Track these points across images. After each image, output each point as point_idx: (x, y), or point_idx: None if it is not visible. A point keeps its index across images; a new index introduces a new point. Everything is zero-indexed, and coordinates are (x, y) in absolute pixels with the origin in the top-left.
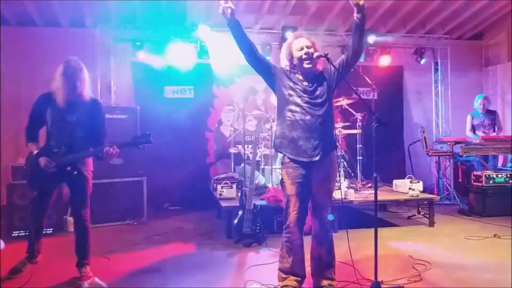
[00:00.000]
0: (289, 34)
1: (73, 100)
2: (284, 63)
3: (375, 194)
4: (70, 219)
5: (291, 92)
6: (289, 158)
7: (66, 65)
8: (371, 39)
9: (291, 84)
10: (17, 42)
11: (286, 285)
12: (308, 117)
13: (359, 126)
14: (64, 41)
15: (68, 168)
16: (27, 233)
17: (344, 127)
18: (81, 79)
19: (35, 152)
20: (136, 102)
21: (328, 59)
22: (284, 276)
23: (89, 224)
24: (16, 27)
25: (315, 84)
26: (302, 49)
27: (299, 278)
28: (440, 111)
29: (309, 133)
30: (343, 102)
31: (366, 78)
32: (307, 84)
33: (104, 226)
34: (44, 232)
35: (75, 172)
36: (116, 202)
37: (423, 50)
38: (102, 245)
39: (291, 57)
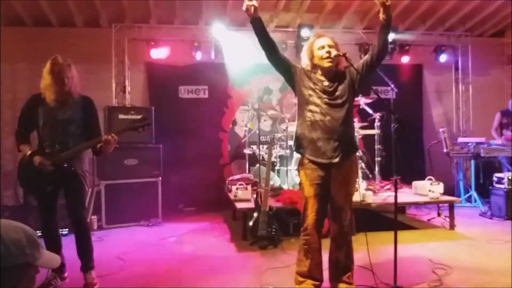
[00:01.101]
0: (305, 32)
1: (63, 98)
2: (305, 62)
3: (395, 197)
4: None
5: (311, 92)
6: (308, 159)
7: (53, 63)
8: (390, 36)
9: (311, 84)
10: (33, 42)
11: None
12: (328, 118)
13: (377, 126)
14: (79, 41)
15: (65, 165)
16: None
17: (362, 127)
18: (69, 76)
19: (29, 152)
20: (151, 102)
21: (346, 58)
22: (301, 279)
23: (88, 225)
24: (32, 27)
25: (336, 84)
26: (323, 48)
27: (317, 282)
28: (461, 111)
29: (328, 134)
30: (361, 101)
31: (384, 77)
32: (327, 84)
33: (119, 227)
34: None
35: (72, 168)
36: (131, 203)
37: (443, 48)
38: (117, 246)
39: (311, 56)
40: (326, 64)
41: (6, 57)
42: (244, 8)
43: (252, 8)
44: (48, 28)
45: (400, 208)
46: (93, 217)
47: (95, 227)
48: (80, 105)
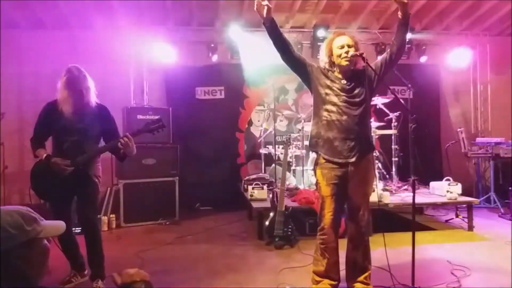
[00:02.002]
0: (321, 32)
1: (81, 109)
2: (323, 60)
3: (413, 198)
4: (104, 218)
5: (328, 91)
6: (324, 158)
7: (69, 76)
8: (407, 36)
9: (328, 82)
10: (53, 45)
11: None
12: (344, 117)
13: (394, 126)
14: (98, 43)
15: (81, 168)
16: None
17: (379, 127)
18: (87, 87)
19: (45, 155)
20: (168, 103)
21: (363, 58)
22: (318, 279)
23: (100, 231)
24: (52, 30)
25: (354, 83)
26: (342, 47)
27: (334, 282)
28: (479, 111)
29: (345, 134)
30: (378, 101)
31: (401, 77)
32: (345, 82)
33: (137, 226)
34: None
35: (89, 173)
36: (149, 202)
37: (460, 48)
38: (135, 245)
39: (330, 54)
40: (344, 63)
41: (27, 60)
42: (255, 8)
43: (266, 8)
44: (68, 31)
45: (417, 208)
46: (111, 215)
47: (114, 225)
48: (97, 113)
